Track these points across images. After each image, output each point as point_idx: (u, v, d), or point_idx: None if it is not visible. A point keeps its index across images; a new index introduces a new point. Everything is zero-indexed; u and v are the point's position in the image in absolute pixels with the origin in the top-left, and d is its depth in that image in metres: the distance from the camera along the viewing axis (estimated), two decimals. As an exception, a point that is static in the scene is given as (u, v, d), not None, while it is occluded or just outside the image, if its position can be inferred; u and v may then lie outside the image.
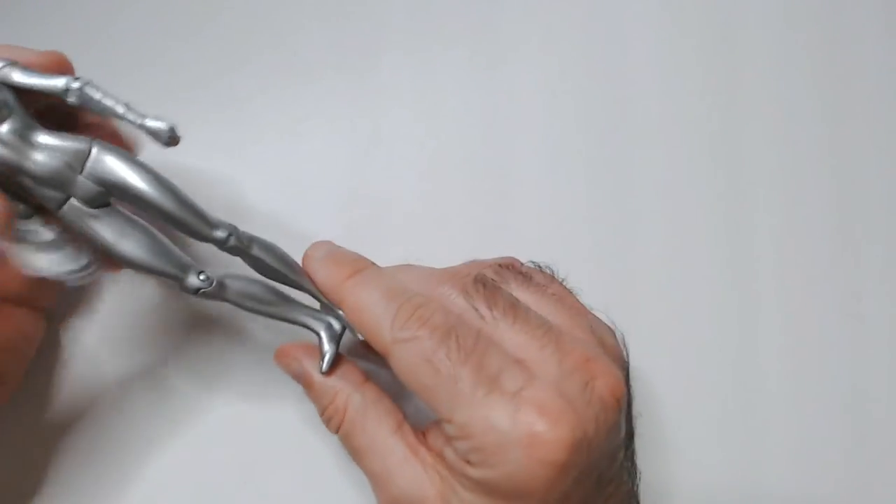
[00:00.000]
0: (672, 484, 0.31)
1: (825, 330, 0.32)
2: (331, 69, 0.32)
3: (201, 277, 0.24)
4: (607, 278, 0.32)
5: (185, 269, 0.24)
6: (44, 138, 0.23)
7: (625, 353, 0.26)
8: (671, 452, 0.31)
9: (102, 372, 0.29)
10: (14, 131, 0.22)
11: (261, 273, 0.26)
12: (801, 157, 0.33)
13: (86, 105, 0.23)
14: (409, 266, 0.26)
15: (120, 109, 0.23)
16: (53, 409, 0.29)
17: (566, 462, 0.21)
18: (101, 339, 0.30)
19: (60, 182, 0.23)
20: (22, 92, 0.23)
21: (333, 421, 0.25)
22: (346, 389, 0.25)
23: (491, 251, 0.28)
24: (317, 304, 0.27)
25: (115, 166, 0.23)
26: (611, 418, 0.22)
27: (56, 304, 0.28)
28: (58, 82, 0.23)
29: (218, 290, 0.24)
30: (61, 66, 0.24)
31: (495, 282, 0.25)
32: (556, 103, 0.33)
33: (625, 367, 0.25)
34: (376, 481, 0.24)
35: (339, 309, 0.25)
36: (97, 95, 0.23)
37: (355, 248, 0.27)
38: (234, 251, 0.25)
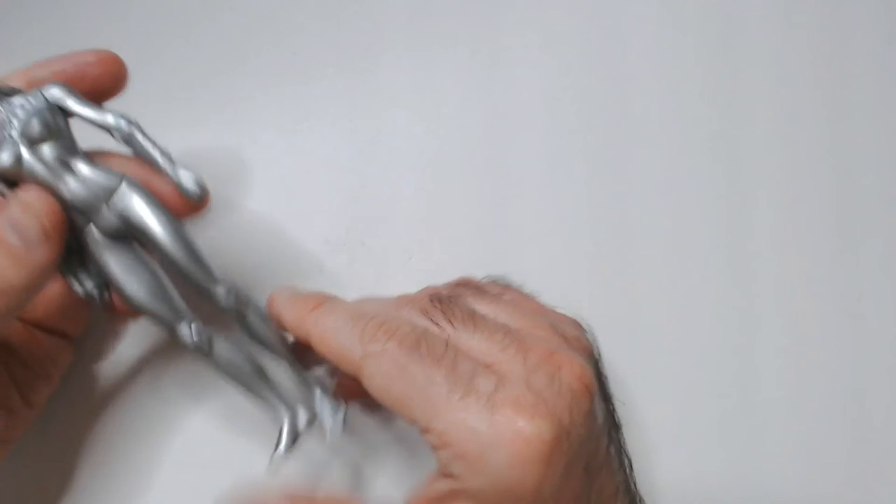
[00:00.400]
0: (671, 484, 0.31)
1: (825, 330, 0.32)
2: (331, 69, 0.32)
3: (193, 328, 0.25)
4: (607, 277, 0.32)
5: (180, 317, 0.25)
6: (81, 167, 0.23)
7: (593, 343, 0.26)
8: (670, 452, 0.31)
9: (104, 375, 0.29)
10: (56, 156, 0.23)
11: (250, 336, 0.26)
12: (801, 157, 0.33)
13: (128, 144, 0.24)
14: (367, 298, 0.27)
15: (157, 156, 0.24)
16: (54, 417, 0.29)
17: (549, 455, 0.21)
18: (99, 347, 0.30)
19: (86, 209, 0.24)
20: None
21: None
22: None
23: (490, 250, 0.28)
24: (294, 389, 0.27)
25: (137, 206, 0.24)
26: (583, 405, 0.22)
27: (84, 334, 0.28)
28: (107, 118, 0.24)
29: (206, 347, 0.25)
30: (109, 63, 0.25)
31: (451, 297, 0.25)
32: (556, 103, 0.33)
33: (592, 357, 0.25)
34: None
35: (308, 341, 0.25)
36: (140, 138, 0.24)
37: (355, 248, 0.27)
38: (230, 310, 0.25)
